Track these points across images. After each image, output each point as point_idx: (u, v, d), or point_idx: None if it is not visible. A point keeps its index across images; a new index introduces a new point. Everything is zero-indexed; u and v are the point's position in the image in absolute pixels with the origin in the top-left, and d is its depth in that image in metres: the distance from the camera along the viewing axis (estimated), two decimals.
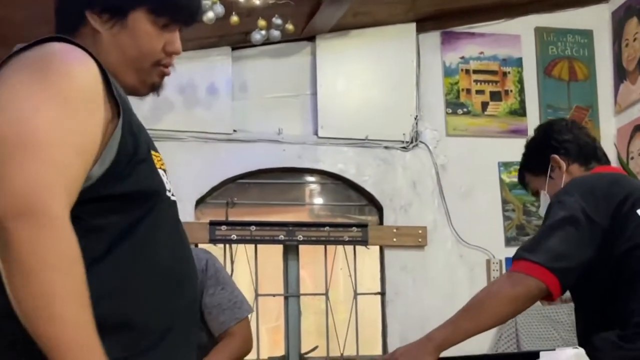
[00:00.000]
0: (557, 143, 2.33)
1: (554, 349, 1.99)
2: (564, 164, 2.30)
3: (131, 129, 1.37)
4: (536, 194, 2.44)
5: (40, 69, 1.30)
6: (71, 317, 1.18)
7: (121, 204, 1.34)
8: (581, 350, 1.90)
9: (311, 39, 4.38)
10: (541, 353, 1.98)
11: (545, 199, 2.32)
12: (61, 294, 1.18)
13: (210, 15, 3.49)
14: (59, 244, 1.19)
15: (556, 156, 2.32)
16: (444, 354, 1.99)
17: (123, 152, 1.34)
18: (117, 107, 1.35)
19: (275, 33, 3.91)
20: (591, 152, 2.34)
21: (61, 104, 1.27)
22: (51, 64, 1.31)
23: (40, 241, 1.17)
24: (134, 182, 1.37)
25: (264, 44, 4.06)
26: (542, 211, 2.24)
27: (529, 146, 2.47)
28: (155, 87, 1.56)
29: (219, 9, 3.51)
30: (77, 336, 1.18)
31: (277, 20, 3.86)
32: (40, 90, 1.26)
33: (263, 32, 3.88)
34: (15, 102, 1.25)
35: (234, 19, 3.66)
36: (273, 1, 3.75)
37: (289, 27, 3.92)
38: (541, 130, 2.49)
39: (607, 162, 2.38)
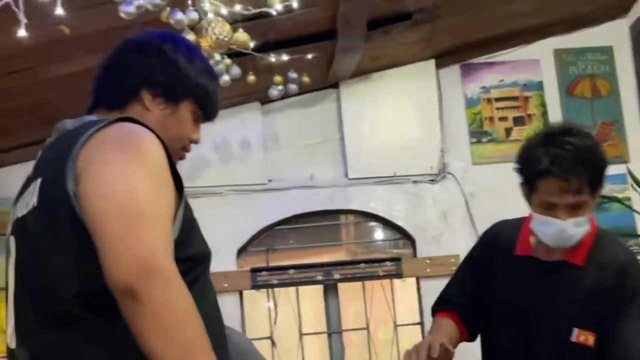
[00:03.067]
0: None
1: None
2: None
3: (186, 199, 1.55)
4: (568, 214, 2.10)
5: (130, 149, 1.46)
6: (212, 359, 1.36)
7: (186, 266, 1.46)
8: None
9: (335, 85, 4.63)
10: None
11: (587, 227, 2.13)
12: (199, 341, 1.35)
13: (225, 78, 3.55)
14: (184, 298, 1.35)
15: None
16: None
17: (186, 219, 1.52)
18: (177, 179, 1.52)
19: (292, 87, 4.07)
20: None
21: (152, 178, 1.44)
22: (136, 144, 1.48)
23: (170, 297, 1.32)
24: (196, 246, 1.55)
25: (290, 95, 4.31)
26: (576, 237, 2.13)
27: (604, 159, 2.14)
28: None
29: (235, 70, 3.58)
30: None
31: (293, 75, 3.99)
32: (137, 169, 1.43)
33: (280, 87, 4.02)
34: (121, 180, 1.41)
35: (251, 78, 3.77)
36: (288, 57, 3.97)
37: (305, 79, 4.05)
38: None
39: None
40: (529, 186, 2.17)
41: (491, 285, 2.26)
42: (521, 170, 2.20)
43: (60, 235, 1.46)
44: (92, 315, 1.43)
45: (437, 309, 2.39)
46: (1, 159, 4.08)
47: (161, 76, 1.68)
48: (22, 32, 2.17)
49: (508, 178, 4.50)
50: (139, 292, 1.31)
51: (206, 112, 1.76)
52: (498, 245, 2.31)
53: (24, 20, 2.14)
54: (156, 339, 1.32)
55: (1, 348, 3.28)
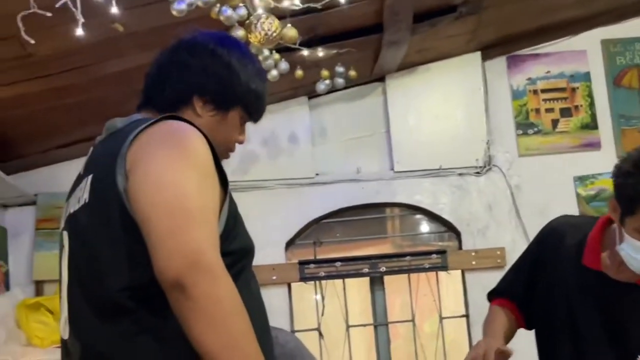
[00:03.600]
0: None
1: None
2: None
3: (231, 194, 1.59)
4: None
5: (177, 146, 1.50)
6: (257, 351, 1.41)
7: (230, 259, 1.51)
8: None
9: (381, 79, 4.65)
10: None
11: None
12: (244, 333, 1.40)
13: (274, 73, 3.60)
14: (231, 292, 1.40)
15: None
16: None
17: (231, 214, 1.57)
18: (222, 176, 1.57)
19: (340, 81, 4.09)
20: None
21: (199, 174, 1.48)
22: (183, 141, 1.52)
23: (217, 291, 1.37)
24: (240, 240, 1.60)
25: (337, 89, 4.35)
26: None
27: None
28: None
29: (284, 65, 3.64)
30: None
31: (339, 69, 4.03)
32: (184, 165, 1.47)
33: (327, 81, 4.07)
34: (170, 176, 1.46)
35: (299, 73, 3.83)
36: (335, 51, 4.00)
37: (352, 73, 4.08)
38: None
39: None
40: (626, 207, 1.99)
41: (552, 289, 2.22)
42: (620, 187, 2.01)
43: (110, 231, 1.51)
44: (142, 308, 1.48)
45: (493, 296, 2.42)
46: (56, 155, 4.18)
47: (213, 82, 1.71)
48: (79, 31, 2.23)
49: (554, 170, 4.61)
50: (188, 287, 1.36)
51: (254, 115, 1.80)
52: (562, 249, 2.22)
53: (81, 19, 2.20)
54: (204, 332, 1.36)
55: (56, 338, 3.38)
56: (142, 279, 1.45)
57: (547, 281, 2.23)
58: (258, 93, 1.78)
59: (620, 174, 2.00)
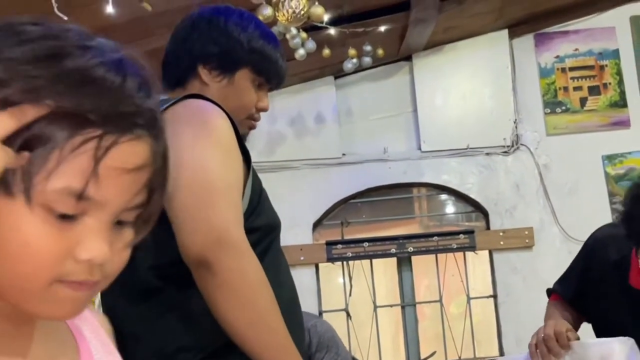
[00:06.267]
0: None
1: None
2: None
3: (254, 171, 1.60)
4: None
5: (199, 124, 1.50)
6: (282, 326, 1.42)
7: (257, 236, 1.52)
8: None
9: (408, 58, 4.62)
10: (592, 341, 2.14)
11: None
12: (269, 309, 1.40)
13: (301, 52, 3.57)
14: (255, 268, 1.40)
15: None
16: None
17: (255, 190, 1.57)
18: (244, 152, 1.56)
19: (367, 59, 4.07)
20: None
21: (221, 152, 1.48)
22: (204, 119, 1.52)
23: (243, 267, 1.38)
24: (265, 216, 1.60)
25: (363, 69, 4.33)
26: None
27: None
28: (243, 137, 1.77)
29: (310, 44, 3.60)
30: (288, 342, 1.42)
31: (367, 47, 4.00)
32: (207, 143, 1.47)
33: (354, 60, 4.03)
34: (193, 154, 1.45)
35: (326, 52, 3.79)
36: (362, 29, 3.97)
37: (380, 51, 4.05)
38: None
39: None
40: None
41: (600, 304, 2.25)
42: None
43: None
44: (169, 286, 1.49)
45: (552, 292, 2.43)
46: None
47: (213, 47, 1.69)
48: (109, 9, 2.23)
49: (582, 149, 4.56)
50: (213, 263, 1.36)
51: (267, 77, 1.75)
52: (607, 263, 2.22)
53: None
54: (228, 308, 1.38)
55: None
56: (168, 258, 1.46)
57: (595, 295, 2.26)
58: (265, 53, 1.73)
59: None
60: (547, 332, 2.08)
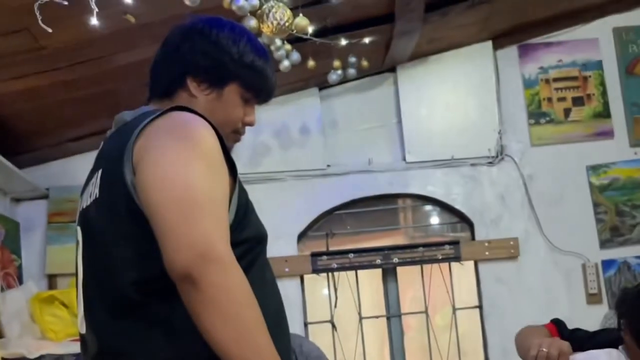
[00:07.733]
0: None
1: None
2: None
3: (240, 183, 1.58)
4: None
5: (184, 138, 1.48)
6: (269, 343, 1.39)
7: (243, 248, 1.52)
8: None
9: (392, 69, 4.63)
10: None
11: None
12: (255, 325, 1.38)
13: (286, 63, 3.57)
14: (240, 283, 1.38)
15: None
16: None
17: (241, 203, 1.55)
18: (231, 165, 1.55)
19: (351, 71, 4.05)
20: None
21: (207, 166, 1.46)
22: (189, 132, 1.50)
23: (227, 283, 1.36)
24: (251, 229, 1.58)
25: (348, 80, 4.33)
26: None
27: None
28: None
29: (295, 56, 3.61)
30: (274, 358, 1.39)
31: (352, 59, 4.00)
32: (191, 157, 1.46)
33: (339, 71, 4.03)
34: (177, 168, 1.44)
35: (311, 63, 3.79)
36: (347, 41, 3.97)
37: (364, 63, 4.03)
38: None
39: None
40: None
41: None
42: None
43: (120, 225, 1.50)
44: (153, 301, 1.47)
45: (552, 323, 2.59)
46: (68, 148, 4.18)
47: (203, 60, 1.68)
48: (94, 21, 2.22)
49: (567, 159, 4.58)
50: (197, 279, 1.34)
51: (256, 92, 1.74)
52: None
53: (95, 9, 2.19)
54: (214, 324, 1.35)
55: (74, 331, 3.38)
56: (153, 273, 1.44)
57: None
58: (255, 68, 1.72)
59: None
60: (551, 352, 2.09)
